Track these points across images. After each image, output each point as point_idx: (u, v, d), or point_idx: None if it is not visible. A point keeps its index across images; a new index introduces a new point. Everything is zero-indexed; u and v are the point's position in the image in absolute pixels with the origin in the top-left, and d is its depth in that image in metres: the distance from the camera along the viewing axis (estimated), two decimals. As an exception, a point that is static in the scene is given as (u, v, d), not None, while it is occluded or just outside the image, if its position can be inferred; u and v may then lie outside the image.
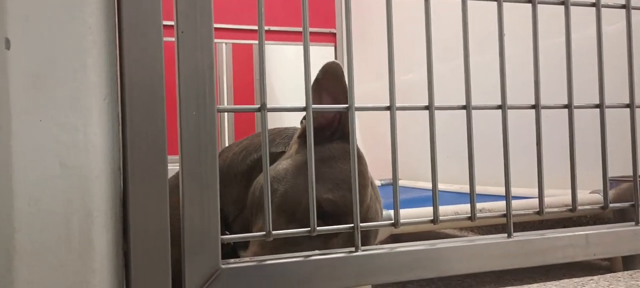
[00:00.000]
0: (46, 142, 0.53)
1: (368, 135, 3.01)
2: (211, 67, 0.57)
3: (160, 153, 0.55)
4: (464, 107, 0.68)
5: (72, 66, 0.53)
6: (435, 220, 0.66)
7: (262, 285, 0.58)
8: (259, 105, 0.60)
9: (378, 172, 2.81)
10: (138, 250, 0.55)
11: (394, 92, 0.65)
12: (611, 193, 1.20)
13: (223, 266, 0.57)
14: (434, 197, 0.66)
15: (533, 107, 0.71)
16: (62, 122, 0.53)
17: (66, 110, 0.53)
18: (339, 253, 0.62)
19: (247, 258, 0.60)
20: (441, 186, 1.95)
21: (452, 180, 1.99)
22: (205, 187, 0.56)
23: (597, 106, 0.74)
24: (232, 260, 0.58)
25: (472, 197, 0.67)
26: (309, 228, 0.61)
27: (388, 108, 0.65)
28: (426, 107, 0.66)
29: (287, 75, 3.23)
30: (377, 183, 2.48)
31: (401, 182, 2.34)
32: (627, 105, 0.76)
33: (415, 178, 2.36)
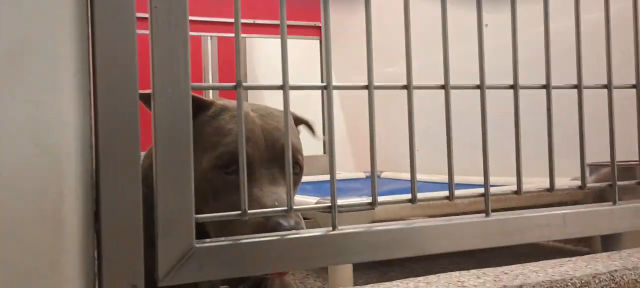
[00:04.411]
0: (18, 118, 0.51)
1: (352, 128, 3.01)
2: (186, 44, 0.56)
3: (132, 131, 0.54)
4: (442, 87, 0.68)
5: (43, 41, 0.52)
6: (413, 199, 0.65)
7: (238, 265, 0.58)
8: (234, 83, 0.59)
9: (362, 165, 2.81)
10: (109, 230, 0.53)
11: (372, 72, 0.65)
12: (592, 179, 1.22)
13: (197, 245, 0.56)
14: (412, 176, 0.66)
15: (511, 87, 0.71)
16: (34, 98, 0.52)
17: (38, 86, 0.52)
18: (316, 232, 0.61)
19: (223, 238, 0.59)
20: (424, 177, 1.96)
21: (435, 172, 2.00)
22: (179, 165, 0.55)
23: (575, 86, 0.74)
24: (207, 240, 0.58)
25: (450, 176, 0.67)
26: (285, 208, 0.61)
27: (366, 87, 0.64)
28: (405, 87, 0.66)
29: (272, 68, 3.21)
30: (361, 175, 2.48)
31: (385, 174, 2.34)
32: (605, 86, 0.76)
33: (399, 170, 2.36)
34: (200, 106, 0.81)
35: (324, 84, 0.63)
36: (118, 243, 0.54)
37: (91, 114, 0.55)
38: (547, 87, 0.72)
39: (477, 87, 0.69)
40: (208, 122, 0.80)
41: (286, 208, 0.61)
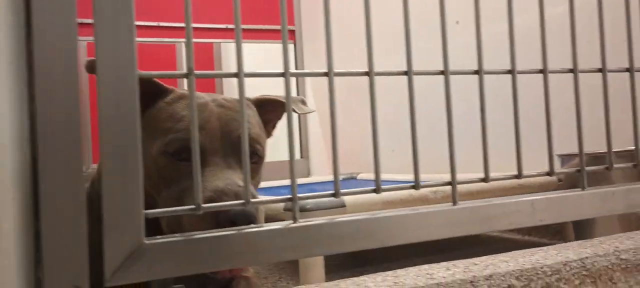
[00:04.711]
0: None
1: (328, 131, 2.99)
2: (131, 28, 0.53)
3: (74, 121, 0.51)
4: (405, 73, 0.66)
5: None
6: (377, 189, 0.63)
7: (191, 262, 0.54)
8: (186, 71, 0.56)
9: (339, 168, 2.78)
10: (51, 228, 0.50)
11: (332, 58, 0.62)
12: (563, 169, 1.21)
13: (147, 242, 0.53)
14: (376, 165, 0.63)
15: (476, 72, 0.69)
16: (-35, 90, 0.48)
17: (-32, 76, 0.48)
18: (276, 226, 0.59)
19: (177, 234, 0.56)
20: (399, 177, 1.94)
21: (406, 171, 1.98)
22: (126, 156, 0.52)
23: (540, 71, 0.73)
24: (158, 236, 0.54)
25: (415, 163, 0.65)
26: (242, 201, 0.58)
27: (326, 74, 0.62)
28: (366, 73, 0.64)
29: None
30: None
31: (361, 176, 2.33)
32: (571, 71, 0.75)
33: (372, 171, 2.34)
34: (158, 93, 0.78)
35: (282, 71, 0.60)
36: (60, 242, 0.50)
37: (27, 105, 0.51)
38: (512, 72, 0.71)
39: (441, 72, 0.67)
40: (163, 108, 0.78)
41: (243, 201, 0.58)
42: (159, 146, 0.74)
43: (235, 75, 0.58)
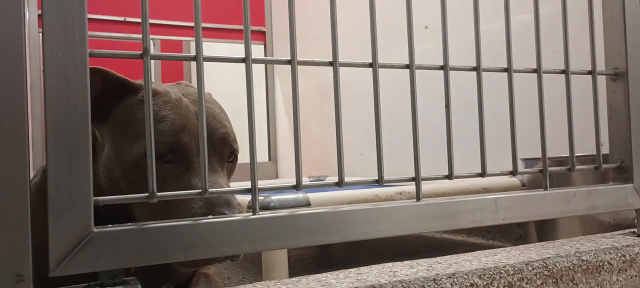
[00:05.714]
0: None
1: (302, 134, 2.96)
2: (82, 5, 0.50)
3: (18, 99, 0.48)
4: (370, 65, 0.64)
5: None
6: (340, 182, 0.62)
7: (144, 252, 0.52)
8: (141, 52, 0.54)
9: (308, 170, 2.78)
10: (-10, 212, 0.47)
11: (295, 46, 0.61)
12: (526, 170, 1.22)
13: (96, 230, 0.50)
14: (339, 159, 0.62)
15: (441, 67, 0.69)
16: None
17: None
18: (233, 218, 0.56)
19: (130, 223, 0.53)
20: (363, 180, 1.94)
21: (373, 175, 1.98)
22: (74, 139, 0.49)
23: (505, 70, 0.73)
24: (108, 225, 0.51)
25: (379, 159, 0.64)
26: (200, 190, 0.55)
27: (289, 62, 0.60)
28: (330, 63, 0.63)
29: (215, 71, 3.14)
30: (306, 181, 2.44)
31: (330, 179, 2.32)
32: (534, 71, 0.76)
33: (348, 174, 2.34)
34: (127, 89, 0.75)
35: (244, 57, 0.58)
36: (1, 229, 0.47)
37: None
38: (477, 69, 0.71)
39: (407, 66, 0.66)
40: (137, 105, 0.74)
41: (200, 190, 0.56)
42: (142, 146, 0.70)
43: (193, 58, 0.56)
